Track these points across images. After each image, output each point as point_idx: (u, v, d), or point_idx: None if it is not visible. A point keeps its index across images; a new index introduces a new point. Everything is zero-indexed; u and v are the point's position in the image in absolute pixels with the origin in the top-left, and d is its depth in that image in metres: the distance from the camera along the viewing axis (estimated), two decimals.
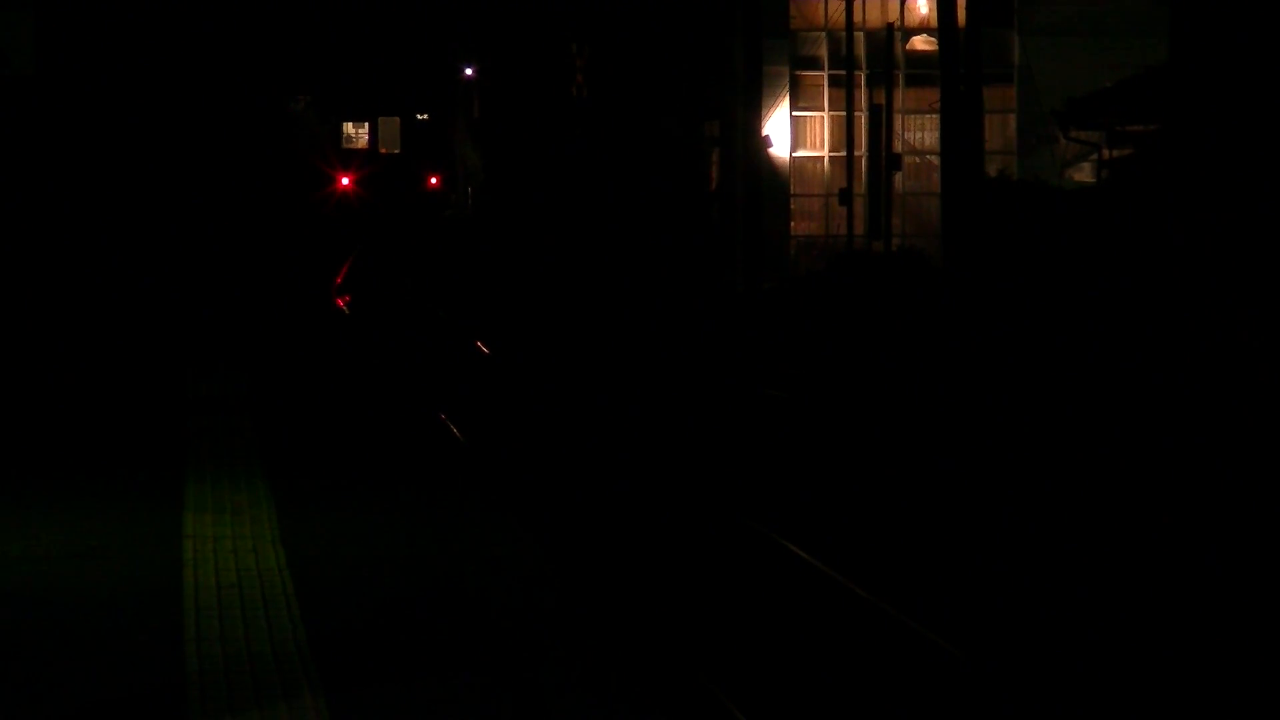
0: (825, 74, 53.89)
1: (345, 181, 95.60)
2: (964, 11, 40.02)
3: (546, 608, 13.42)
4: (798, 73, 54.09)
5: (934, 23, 45.54)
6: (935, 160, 48.27)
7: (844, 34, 50.39)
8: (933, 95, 46.71)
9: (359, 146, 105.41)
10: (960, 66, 40.07)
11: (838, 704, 13.31)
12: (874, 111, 48.61)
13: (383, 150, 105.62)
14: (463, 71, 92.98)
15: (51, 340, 29.63)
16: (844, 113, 51.11)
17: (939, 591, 16.39)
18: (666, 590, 17.05)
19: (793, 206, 54.36)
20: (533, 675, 11.29)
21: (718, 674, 13.75)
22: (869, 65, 51.43)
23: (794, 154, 54.35)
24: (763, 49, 49.82)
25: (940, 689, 13.60)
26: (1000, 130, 52.16)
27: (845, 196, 49.46)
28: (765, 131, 52.37)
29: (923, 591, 16.27)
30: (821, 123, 54.28)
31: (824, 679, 14.00)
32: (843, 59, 51.06)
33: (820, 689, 13.71)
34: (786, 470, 23.31)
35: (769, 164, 52.64)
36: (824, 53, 53.85)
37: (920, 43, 52.70)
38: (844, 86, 51.10)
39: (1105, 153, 40.75)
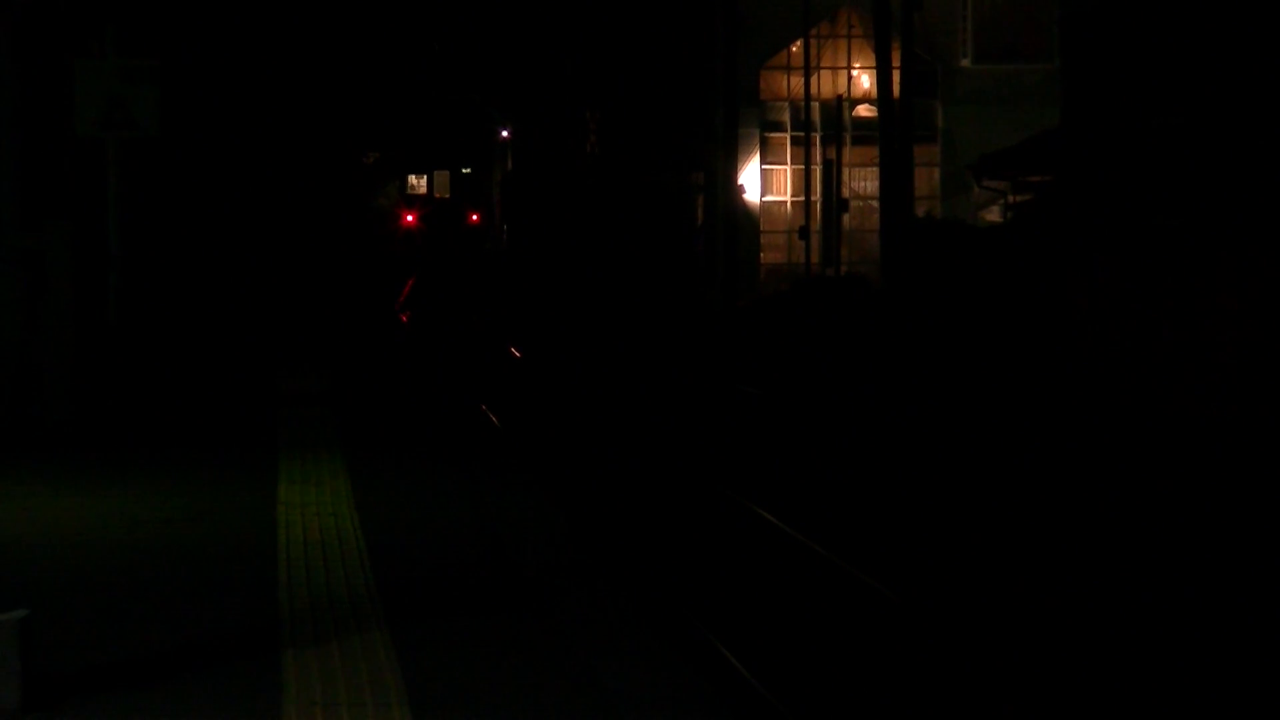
0: (788, 135, 53.93)
1: (410, 219, 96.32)
2: (898, 86, 40.10)
3: (564, 558, 13.43)
4: (766, 134, 54.14)
5: (874, 94, 45.58)
6: (875, 204, 48.34)
7: (803, 103, 50.46)
8: (873, 152, 46.83)
9: (419, 192, 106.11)
10: (895, 129, 40.13)
11: (797, 631, 13.32)
12: (826, 165, 48.63)
13: (437, 195, 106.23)
14: (499, 133, 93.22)
15: (174, 346, 29.64)
16: (803, 166, 51.20)
17: (880, 545, 16.41)
18: (658, 541, 17.10)
19: (762, 240, 54.38)
20: (553, 609, 11.31)
21: (698, 606, 13.78)
22: (823, 128, 51.42)
23: (763, 198, 54.39)
24: (738, 115, 49.87)
25: (874, 623, 13.61)
26: (927, 180, 52.17)
27: (804, 232, 49.51)
28: (740, 180, 52.36)
29: (867, 546, 16.29)
30: (785, 174, 54.32)
31: (782, 612, 14.02)
32: (802, 123, 51.14)
33: (779, 620, 13.73)
34: (758, 451, 23.33)
35: (743, 206, 52.65)
36: (787, 118, 53.89)
37: (863, 110, 52.74)
38: (803, 145, 51.21)
39: (1011, 198, 40.73)
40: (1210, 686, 11.79)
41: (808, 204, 49.82)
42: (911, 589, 14.47)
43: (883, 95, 40.73)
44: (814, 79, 50.60)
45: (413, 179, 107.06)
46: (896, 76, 40.69)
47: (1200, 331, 23.94)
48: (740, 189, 52.44)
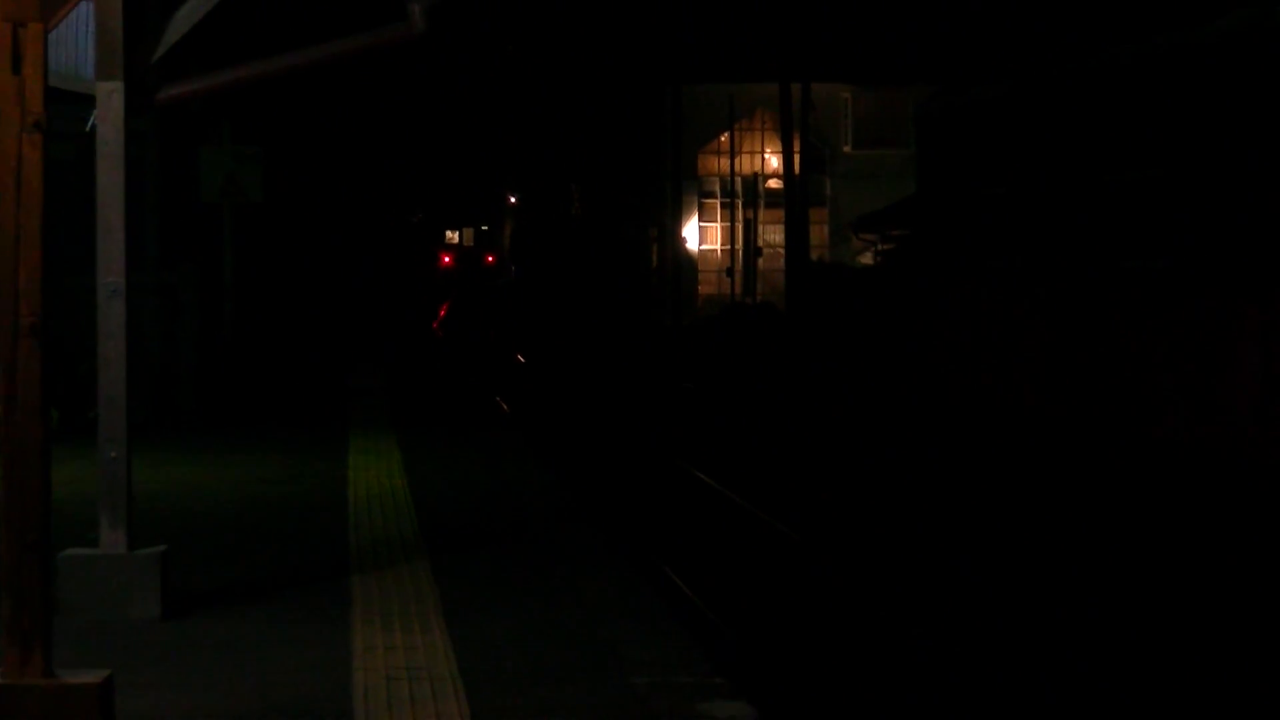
0: (718, 201, 53.92)
1: (447, 260, 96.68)
2: (798, 165, 40.21)
3: (556, 505, 13.47)
4: (702, 200, 54.09)
5: (781, 171, 45.71)
6: (781, 250, 48.38)
7: (729, 177, 50.57)
8: (780, 213, 46.92)
9: (453, 242, 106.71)
10: (796, 197, 40.23)
11: (724, 562, 13.38)
12: (746, 223, 48.78)
13: (465, 244, 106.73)
14: (508, 199, 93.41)
15: (273, 356, 29.58)
16: (729, 223, 51.29)
17: (793, 503, 16.48)
18: (625, 493, 17.14)
19: (699, 277, 54.28)
20: (547, 543, 11.36)
21: (653, 540, 13.84)
22: (743, 195, 51.53)
23: (700, 247, 54.35)
24: (682, 186, 49.94)
25: (783, 559, 13.68)
26: (819, 234, 52.09)
27: (730, 272, 49.61)
28: (683, 234, 52.44)
29: (782, 502, 16.35)
30: (716, 229, 54.29)
31: (716, 548, 14.07)
32: (728, 192, 51.23)
33: (712, 554, 13.78)
34: (697, 430, 23.39)
35: (685, 253, 52.68)
36: (717, 189, 53.86)
37: (773, 183, 52.78)
38: (729, 208, 51.28)
39: (880, 247, 40.84)
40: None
41: (732, 251, 49.93)
42: (809, 531, 14.56)
43: (787, 172, 40.86)
44: (737, 160, 50.76)
45: (449, 233, 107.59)
46: (797, 159, 40.81)
47: (1018, 342, 24.08)
48: (683, 240, 52.51)
